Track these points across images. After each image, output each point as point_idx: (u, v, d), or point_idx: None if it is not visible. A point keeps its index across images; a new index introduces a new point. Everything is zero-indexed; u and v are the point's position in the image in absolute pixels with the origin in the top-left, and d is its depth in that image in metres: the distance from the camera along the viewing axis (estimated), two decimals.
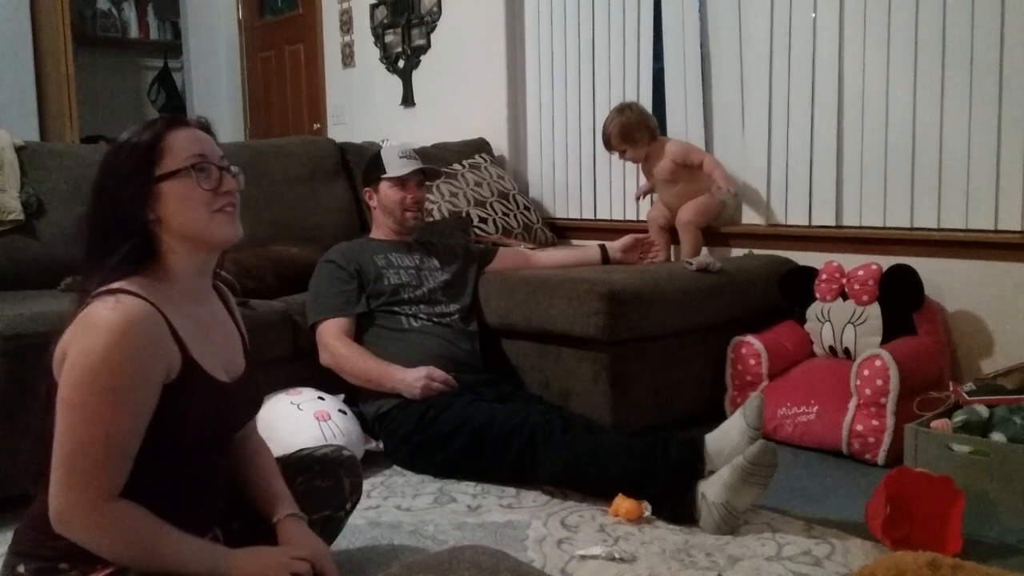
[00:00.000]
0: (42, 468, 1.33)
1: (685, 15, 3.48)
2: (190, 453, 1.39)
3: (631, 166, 3.69)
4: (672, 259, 3.35)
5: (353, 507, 1.73)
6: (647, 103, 3.62)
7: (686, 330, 2.80)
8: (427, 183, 3.01)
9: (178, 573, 1.32)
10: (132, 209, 1.34)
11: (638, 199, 3.55)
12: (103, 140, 5.68)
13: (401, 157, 2.81)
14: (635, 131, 3.26)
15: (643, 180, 3.52)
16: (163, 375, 1.32)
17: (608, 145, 3.33)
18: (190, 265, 1.41)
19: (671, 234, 3.37)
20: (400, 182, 2.77)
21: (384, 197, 2.80)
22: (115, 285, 1.30)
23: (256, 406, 1.59)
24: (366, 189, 2.87)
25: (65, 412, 1.26)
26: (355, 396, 2.61)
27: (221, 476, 1.51)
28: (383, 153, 2.86)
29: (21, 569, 1.32)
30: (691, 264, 2.91)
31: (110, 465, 1.27)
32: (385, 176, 2.78)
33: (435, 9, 4.38)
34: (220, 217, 1.39)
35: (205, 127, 1.45)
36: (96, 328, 1.26)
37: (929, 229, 2.89)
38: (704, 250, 3.26)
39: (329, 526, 1.68)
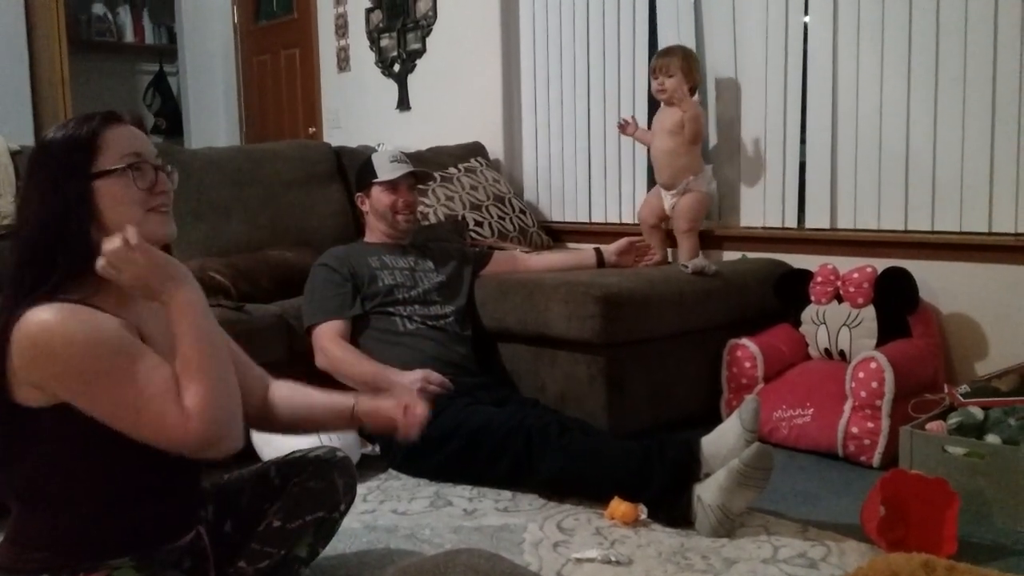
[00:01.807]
0: (11, 483, 1.33)
1: (680, 19, 3.49)
2: (147, 449, 1.33)
3: (627, 169, 3.71)
4: (668, 260, 3.35)
5: (347, 508, 1.72)
6: (642, 106, 3.63)
7: (682, 333, 2.81)
8: (419, 186, 3.02)
9: None
10: (68, 207, 1.31)
11: (624, 129, 3.46)
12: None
13: (392, 161, 2.83)
14: (695, 69, 3.24)
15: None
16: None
17: (660, 67, 3.22)
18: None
19: (665, 234, 3.38)
20: (391, 186, 2.78)
21: (376, 201, 2.80)
22: (41, 292, 1.27)
23: None
24: (358, 194, 2.88)
25: (93, 393, 1.25)
26: None
27: (189, 468, 1.49)
28: (374, 158, 2.87)
29: None
30: (687, 267, 2.92)
31: (172, 384, 1.27)
32: (376, 181, 2.79)
33: (430, 13, 4.38)
34: (154, 216, 1.38)
35: (140, 124, 1.43)
36: (33, 332, 1.23)
37: (923, 232, 2.90)
38: (700, 253, 3.26)
39: (324, 527, 1.67)
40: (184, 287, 1.33)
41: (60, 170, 1.32)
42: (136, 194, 1.35)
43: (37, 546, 1.31)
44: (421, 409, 1.61)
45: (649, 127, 3.47)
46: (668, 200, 3.30)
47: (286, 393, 1.63)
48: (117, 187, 1.34)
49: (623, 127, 3.47)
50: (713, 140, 3.45)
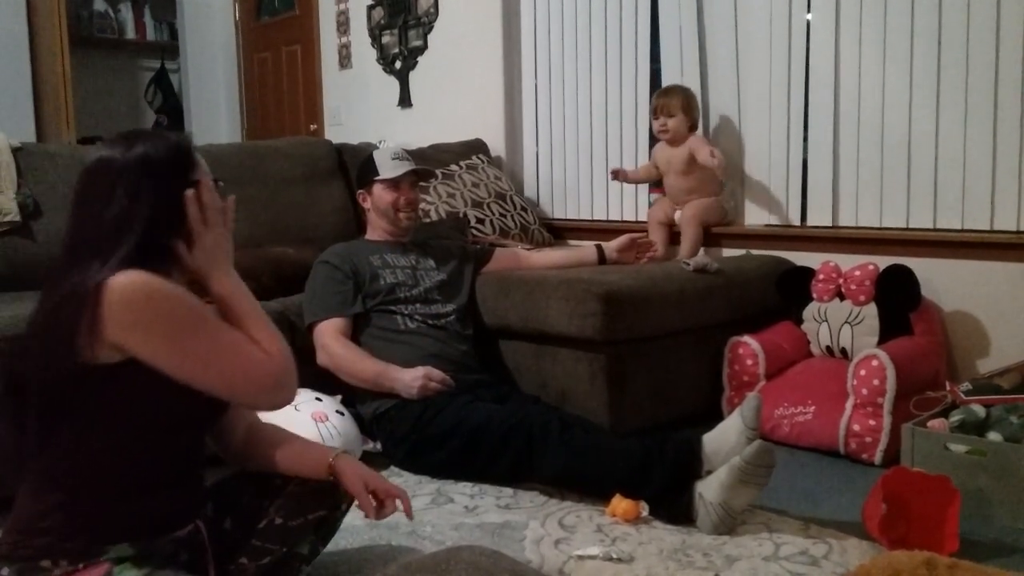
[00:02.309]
0: (17, 465, 1.37)
1: (682, 16, 3.48)
2: (166, 431, 1.42)
3: (628, 166, 3.70)
4: (670, 258, 3.35)
5: (348, 507, 1.72)
6: (644, 104, 3.63)
7: (683, 330, 2.80)
8: (421, 183, 3.01)
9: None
10: (171, 205, 1.41)
11: (617, 177, 3.50)
12: (100, 141, 5.68)
13: (393, 159, 2.82)
14: (694, 108, 3.30)
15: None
16: None
17: (661, 107, 3.29)
18: (183, 275, 1.46)
19: (669, 232, 3.38)
20: (393, 184, 2.77)
21: (378, 199, 2.79)
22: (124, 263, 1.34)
23: (221, 410, 1.59)
24: (360, 192, 2.87)
25: (177, 347, 1.33)
26: (353, 397, 2.61)
27: (196, 460, 1.54)
28: (375, 155, 2.86)
29: (4, 572, 1.33)
30: (688, 265, 2.92)
31: (245, 336, 1.40)
32: (378, 178, 2.78)
33: (432, 10, 4.38)
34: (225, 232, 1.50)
35: None
36: (124, 291, 1.29)
37: (925, 229, 2.90)
38: (701, 250, 3.27)
39: (325, 526, 1.68)
40: (234, 272, 1.48)
41: (172, 173, 1.43)
42: (220, 204, 1.48)
43: (39, 531, 1.33)
44: (393, 497, 1.65)
45: (650, 146, 3.52)
46: (678, 213, 3.35)
47: (269, 432, 1.69)
48: (207, 197, 1.45)
49: (615, 175, 3.50)
50: (715, 137, 3.44)
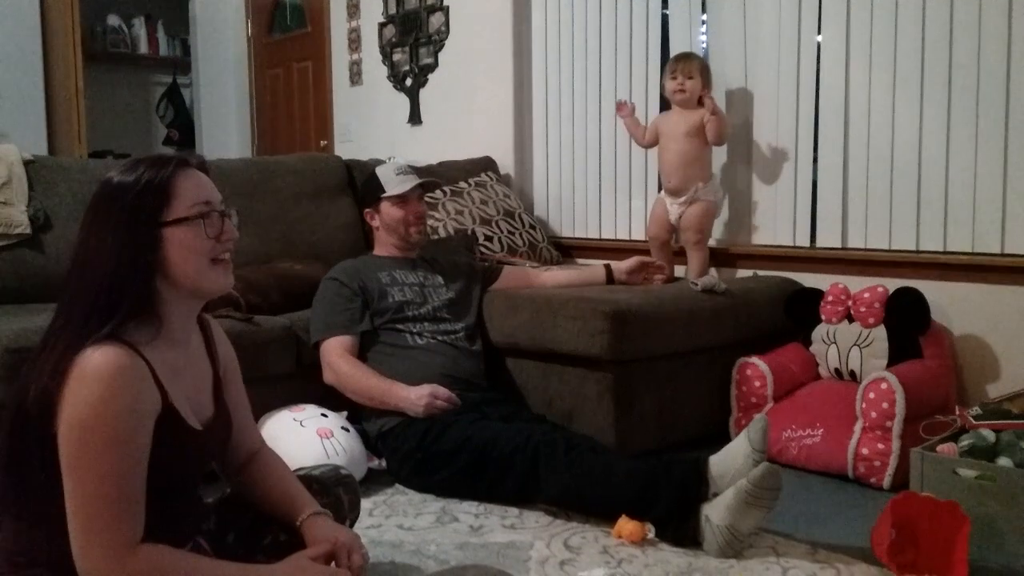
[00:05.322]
0: (13, 501, 1.33)
1: (692, 38, 3.49)
2: (157, 492, 1.36)
3: (637, 185, 3.71)
4: (676, 276, 3.34)
5: (352, 524, 1.72)
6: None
7: (691, 351, 2.80)
8: (427, 197, 3.01)
9: None
10: (137, 253, 1.33)
11: (621, 110, 3.40)
12: (111, 155, 5.72)
13: (398, 174, 2.82)
14: (708, 76, 3.23)
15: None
16: (152, 418, 1.32)
17: (680, 68, 3.20)
18: (178, 312, 1.41)
19: (673, 251, 3.37)
20: (401, 199, 2.77)
21: (386, 216, 2.79)
22: (104, 332, 1.29)
23: (224, 446, 1.58)
24: (366, 210, 2.87)
25: (71, 470, 1.26)
26: (358, 413, 2.60)
27: (188, 510, 1.51)
28: (380, 173, 2.86)
29: None
30: (696, 285, 2.91)
31: (127, 514, 1.28)
32: (385, 195, 2.78)
33: (443, 28, 4.40)
34: (218, 268, 1.41)
35: (204, 168, 1.45)
36: (87, 381, 1.25)
37: (935, 252, 2.89)
38: (711, 271, 3.26)
39: None
40: None
41: (133, 215, 1.33)
42: (205, 244, 1.38)
43: (31, 563, 1.30)
44: (356, 559, 1.49)
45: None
46: (674, 210, 3.24)
47: (267, 467, 1.62)
48: (187, 235, 1.36)
49: (620, 107, 3.41)
50: (725, 158, 3.44)
